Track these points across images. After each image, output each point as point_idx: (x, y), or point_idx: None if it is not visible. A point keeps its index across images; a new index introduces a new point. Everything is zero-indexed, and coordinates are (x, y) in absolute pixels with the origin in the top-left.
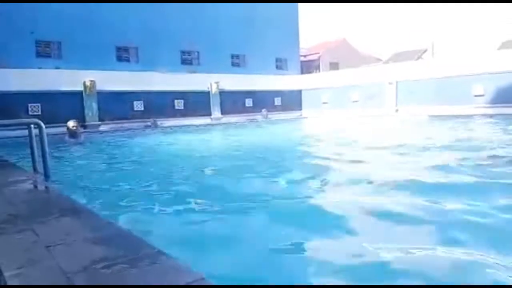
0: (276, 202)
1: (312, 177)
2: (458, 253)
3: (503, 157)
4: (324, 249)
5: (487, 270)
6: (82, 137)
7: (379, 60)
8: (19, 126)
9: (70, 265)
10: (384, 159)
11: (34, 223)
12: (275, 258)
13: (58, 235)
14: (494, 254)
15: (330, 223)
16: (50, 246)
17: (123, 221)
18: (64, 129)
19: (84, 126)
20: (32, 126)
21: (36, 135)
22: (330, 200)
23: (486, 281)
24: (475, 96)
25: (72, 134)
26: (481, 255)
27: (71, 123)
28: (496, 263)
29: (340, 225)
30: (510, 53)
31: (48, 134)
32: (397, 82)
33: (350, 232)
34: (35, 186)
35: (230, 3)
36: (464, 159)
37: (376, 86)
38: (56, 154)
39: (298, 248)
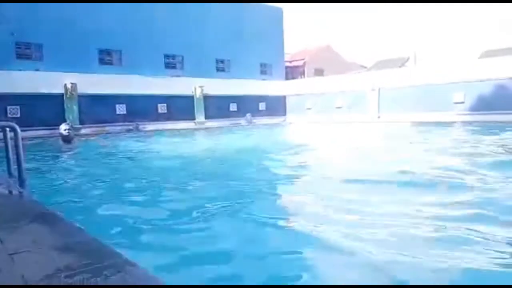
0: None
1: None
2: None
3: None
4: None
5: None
6: (75, 142)
7: (363, 67)
8: None
9: (32, 274)
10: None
11: (1, 229)
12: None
13: (24, 242)
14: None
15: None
16: (14, 253)
17: (96, 229)
18: (44, 132)
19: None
20: (7, 129)
21: (11, 139)
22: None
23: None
24: (455, 103)
25: (65, 138)
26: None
27: (63, 127)
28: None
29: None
30: (490, 62)
31: (27, 137)
32: (379, 89)
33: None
34: (10, 192)
35: (215, 8)
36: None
37: (359, 93)
38: (40, 160)
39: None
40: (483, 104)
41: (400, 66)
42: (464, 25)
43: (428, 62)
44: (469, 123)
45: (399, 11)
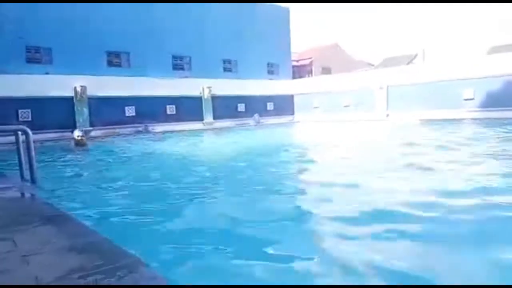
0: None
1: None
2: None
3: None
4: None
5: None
6: (87, 146)
7: (370, 65)
8: (7, 132)
9: (45, 275)
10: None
11: (14, 231)
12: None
13: (37, 244)
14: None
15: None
16: (27, 255)
17: (108, 230)
18: (55, 135)
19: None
20: (19, 133)
21: (23, 142)
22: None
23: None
24: (465, 100)
25: (78, 143)
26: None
27: (76, 133)
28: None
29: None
30: (498, 58)
31: (39, 140)
32: (387, 86)
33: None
34: (22, 194)
35: (222, 8)
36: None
37: (366, 91)
38: (53, 161)
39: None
40: (494, 101)
41: (407, 63)
42: (472, 22)
43: (437, 59)
44: (480, 120)
45: (405, 8)
